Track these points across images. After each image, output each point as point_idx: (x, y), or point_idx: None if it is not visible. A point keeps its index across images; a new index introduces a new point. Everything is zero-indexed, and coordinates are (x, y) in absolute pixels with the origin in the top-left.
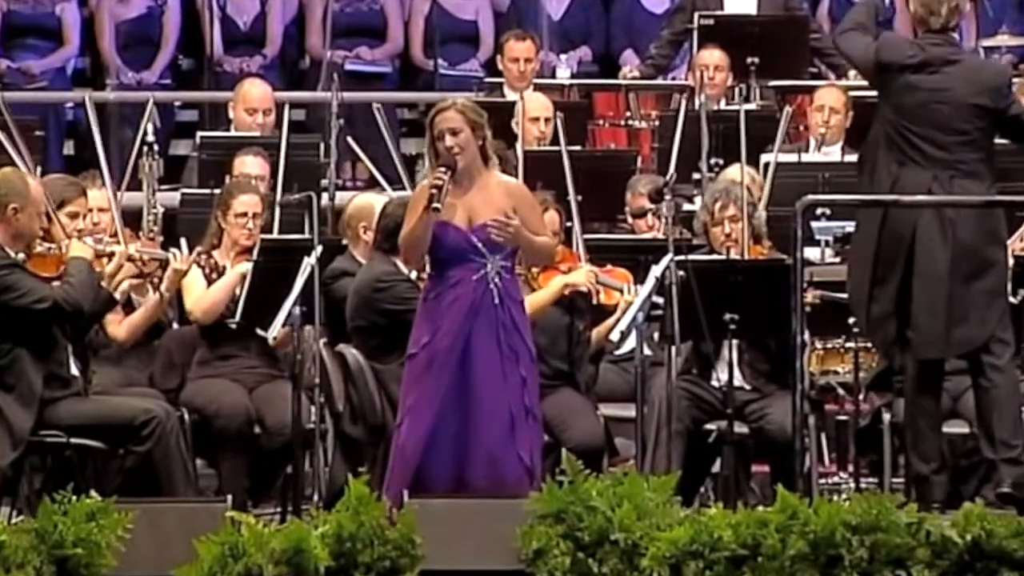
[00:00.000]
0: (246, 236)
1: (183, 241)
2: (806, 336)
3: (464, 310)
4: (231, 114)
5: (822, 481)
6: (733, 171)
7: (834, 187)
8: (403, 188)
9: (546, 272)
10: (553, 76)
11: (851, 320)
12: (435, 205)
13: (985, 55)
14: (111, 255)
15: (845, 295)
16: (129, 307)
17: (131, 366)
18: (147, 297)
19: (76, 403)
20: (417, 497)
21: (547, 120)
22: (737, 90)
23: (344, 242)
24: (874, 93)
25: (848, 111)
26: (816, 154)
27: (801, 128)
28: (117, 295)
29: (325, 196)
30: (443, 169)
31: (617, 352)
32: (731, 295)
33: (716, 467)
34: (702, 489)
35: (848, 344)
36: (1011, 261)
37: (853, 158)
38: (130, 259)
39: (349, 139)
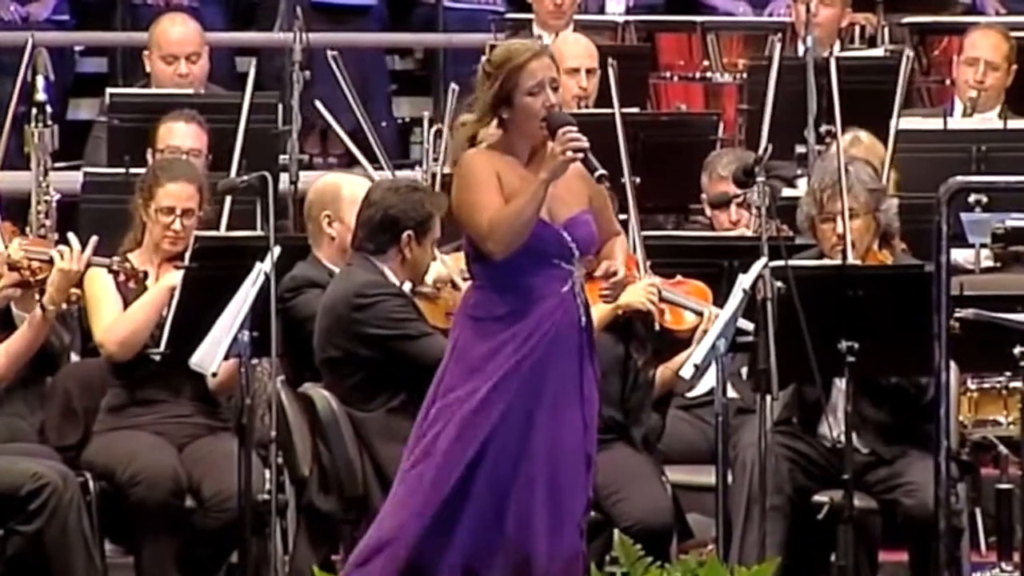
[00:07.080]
0: (171, 239)
1: (71, 236)
2: (953, 372)
3: (556, 333)
4: (148, 65)
5: (977, 574)
6: (851, 143)
7: (992, 165)
8: (392, 167)
9: (591, 283)
10: (602, 11)
11: (1018, 350)
12: (602, 172)
13: None
14: None
15: (1009, 315)
16: (9, 328)
17: (14, 413)
18: (31, 314)
19: None
20: None
21: (590, 72)
22: (858, 30)
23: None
24: None
25: (1011, 64)
26: (965, 121)
27: (947, 83)
28: None
29: (285, 177)
30: (570, 124)
31: (690, 395)
32: (849, 315)
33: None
34: None
35: (1014, 383)
36: None
37: (1019, 124)
38: (11, 267)
39: (316, 99)
